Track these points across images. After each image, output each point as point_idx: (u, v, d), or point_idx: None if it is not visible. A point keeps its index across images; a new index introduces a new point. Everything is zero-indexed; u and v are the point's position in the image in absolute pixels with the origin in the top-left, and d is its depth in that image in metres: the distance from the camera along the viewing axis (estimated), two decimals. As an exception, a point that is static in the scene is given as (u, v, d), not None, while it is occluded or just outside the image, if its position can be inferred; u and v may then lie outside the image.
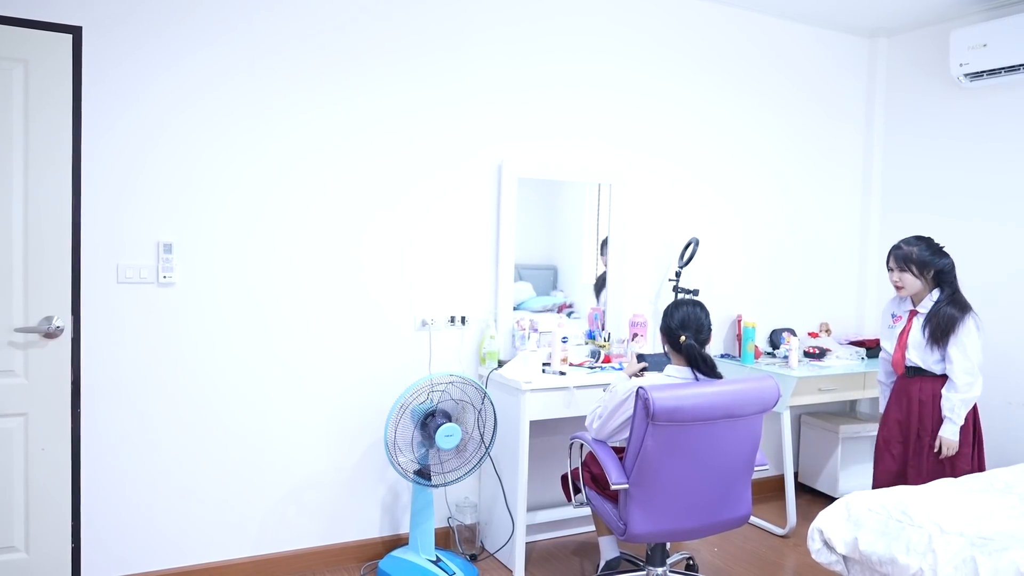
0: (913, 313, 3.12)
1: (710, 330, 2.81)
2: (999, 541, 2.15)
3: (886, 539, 2.35)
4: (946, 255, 3.07)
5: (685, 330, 2.75)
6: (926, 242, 3.10)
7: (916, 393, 3.10)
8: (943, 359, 3.02)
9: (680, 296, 3.67)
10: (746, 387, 2.66)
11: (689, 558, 3.26)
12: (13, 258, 2.65)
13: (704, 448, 2.60)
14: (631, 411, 2.60)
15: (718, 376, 2.75)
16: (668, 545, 2.98)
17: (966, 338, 2.97)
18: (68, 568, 2.77)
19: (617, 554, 3.09)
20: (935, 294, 3.06)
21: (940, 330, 2.99)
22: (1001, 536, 2.18)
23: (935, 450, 3.02)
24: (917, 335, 3.07)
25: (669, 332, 2.79)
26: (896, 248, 3.12)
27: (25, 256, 2.67)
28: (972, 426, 3.06)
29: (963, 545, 2.18)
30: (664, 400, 2.49)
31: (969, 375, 2.96)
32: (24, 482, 2.70)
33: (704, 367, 2.73)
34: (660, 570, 2.91)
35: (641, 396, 2.50)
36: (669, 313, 2.81)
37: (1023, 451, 3.76)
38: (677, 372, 2.77)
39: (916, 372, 3.10)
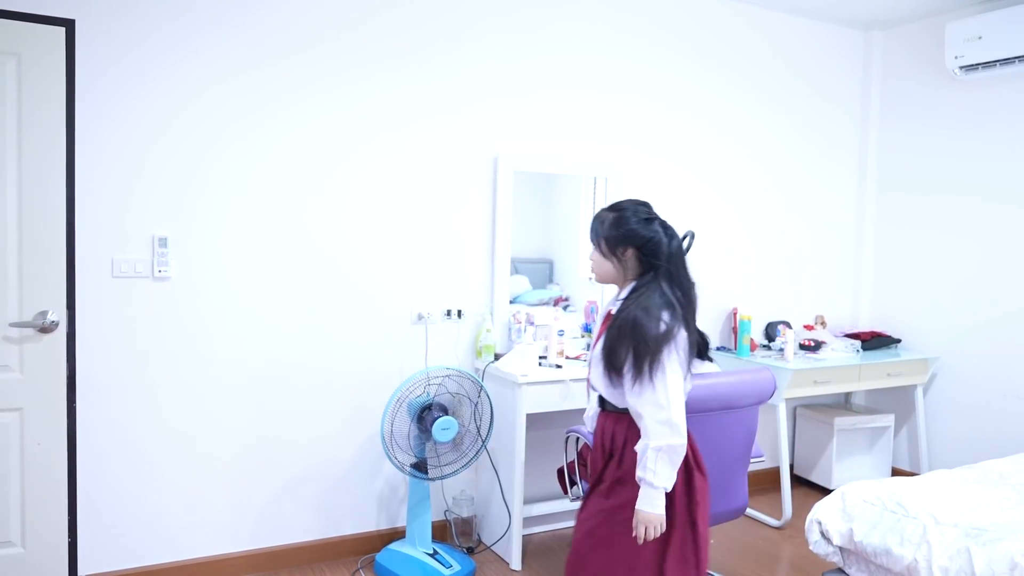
0: (608, 316, 2.09)
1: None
2: (993, 532, 2.16)
3: (881, 530, 2.36)
4: (652, 226, 2.04)
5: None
6: (629, 207, 2.09)
7: (608, 440, 2.11)
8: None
9: None
10: (743, 379, 2.67)
11: None
12: (7, 252, 2.64)
13: (702, 440, 2.60)
14: None
15: (708, 358, 2.75)
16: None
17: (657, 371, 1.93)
18: (65, 563, 2.77)
19: None
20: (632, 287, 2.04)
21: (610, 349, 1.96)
22: (995, 527, 2.19)
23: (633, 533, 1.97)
24: (599, 349, 2.03)
25: None
26: (594, 216, 2.16)
27: (19, 250, 2.65)
28: (685, 492, 2.04)
29: (957, 536, 2.20)
30: None
31: (661, 412, 1.92)
32: (20, 477, 2.69)
33: (700, 346, 2.73)
34: None
35: None
36: None
37: (1017, 443, 3.78)
38: None
39: (606, 404, 2.11)
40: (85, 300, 2.77)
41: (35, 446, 2.70)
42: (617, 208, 2.10)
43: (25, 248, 2.66)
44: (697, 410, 2.56)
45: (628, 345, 1.91)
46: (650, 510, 1.92)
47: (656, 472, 1.91)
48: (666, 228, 2.06)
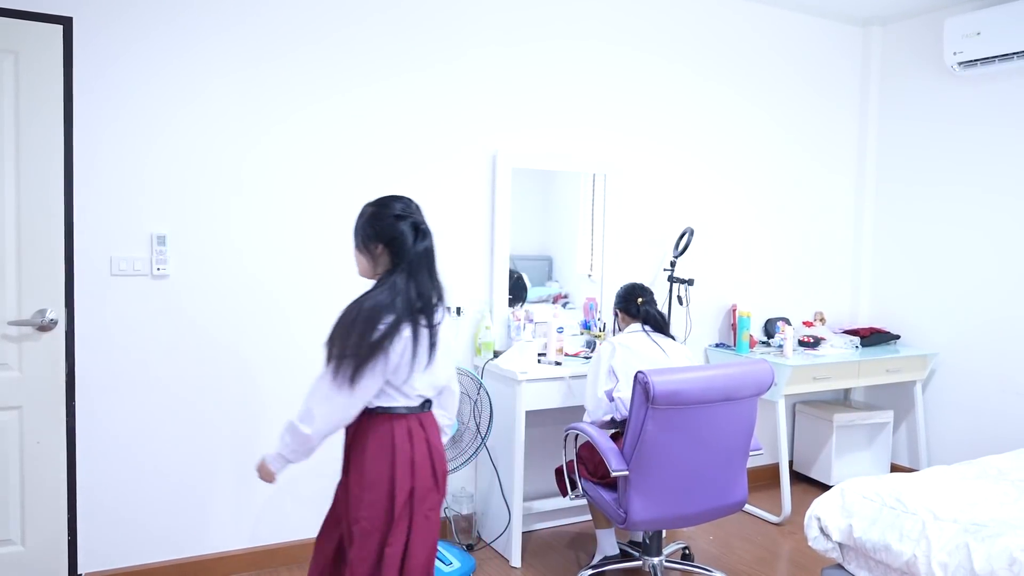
0: None
1: (654, 298, 3.17)
2: (992, 527, 2.16)
3: (880, 526, 2.36)
4: (402, 224, 2.03)
5: (638, 294, 3.12)
6: (387, 203, 2.07)
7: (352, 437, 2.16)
8: None
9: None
10: (742, 370, 2.70)
11: (685, 547, 3.28)
12: (6, 251, 2.63)
13: (703, 432, 2.61)
14: (608, 363, 2.91)
15: (670, 335, 3.10)
16: (664, 534, 2.99)
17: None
18: (64, 561, 2.77)
19: (616, 551, 3.10)
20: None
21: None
22: (994, 522, 2.19)
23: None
24: None
25: (625, 300, 3.14)
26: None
27: (18, 248, 2.65)
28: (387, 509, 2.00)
29: (956, 532, 2.20)
30: (664, 383, 2.51)
31: (316, 403, 1.99)
32: (19, 475, 2.69)
33: (659, 322, 3.09)
34: (656, 560, 2.93)
35: (640, 380, 2.52)
36: (617, 295, 3.20)
37: (1017, 439, 3.79)
38: (630, 328, 3.10)
39: None
40: (84, 298, 2.77)
41: (34, 444, 2.70)
42: (376, 204, 2.08)
43: (24, 246, 2.65)
44: (700, 401, 2.57)
45: (339, 340, 1.93)
46: (268, 463, 2.06)
47: (282, 440, 2.03)
48: (418, 228, 2.06)
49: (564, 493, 2.98)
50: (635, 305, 3.10)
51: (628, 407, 2.70)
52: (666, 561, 3.00)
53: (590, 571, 3.03)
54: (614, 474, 2.60)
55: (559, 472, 3.04)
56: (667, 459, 2.59)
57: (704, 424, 2.62)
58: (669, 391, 2.52)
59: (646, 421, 2.54)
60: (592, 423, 2.89)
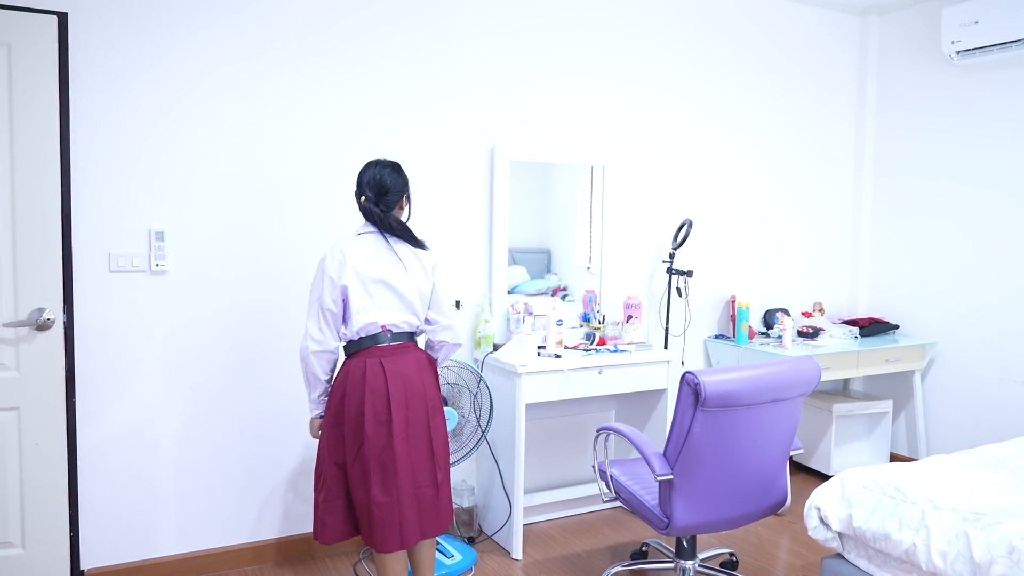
0: None
1: (398, 193, 2.51)
2: (991, 516, 2.17)
3: (879, 515, 2.37)
4: None
5: (368, 190, 2.49)
6: None
7: None
8: None
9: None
10: (791, 367, 2.59)
11: (731, 553, 3.16)
12: (2, 249, 2.61)
13: (750, 433, 2.52)
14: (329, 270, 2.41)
15: (418, 243, 2.53)
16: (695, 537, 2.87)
17: None
18: (66, 561, 2.76)
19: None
20: None
21: None
22: (993, 511, 2.20)
23: None
24: None
25: (358, 189, 2.52)
26: None
27: (13, 247, 2.62)
28: None
29: (956, 520, 2.20)
30: (715, 384, 2.41)
31: None
32: (19, 477, 2.67)
33: (393, 227, 2.49)
34: (690, 564, 2.82)
35: (689, 381, 2.42)
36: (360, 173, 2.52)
37: (1015, 427, 3.80)
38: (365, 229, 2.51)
39: None
40: (82, 296, 2.76)
41: (33, 446, 2.68)
42: None
43: (19, 244, 2.63)
44: (750, 402, 2.48)
45: None
46: None
47: None
48: None
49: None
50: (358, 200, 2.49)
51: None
52: (699, 566, 2.85)
53: (620, 567, 3.02)
54: (659, 479, 2.50)
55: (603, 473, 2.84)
56: (715, 462, 2.50)
57: (752, 425, 2.52)
58: (721, 392, 2.41)
59: (693, 424, 2.43)
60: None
